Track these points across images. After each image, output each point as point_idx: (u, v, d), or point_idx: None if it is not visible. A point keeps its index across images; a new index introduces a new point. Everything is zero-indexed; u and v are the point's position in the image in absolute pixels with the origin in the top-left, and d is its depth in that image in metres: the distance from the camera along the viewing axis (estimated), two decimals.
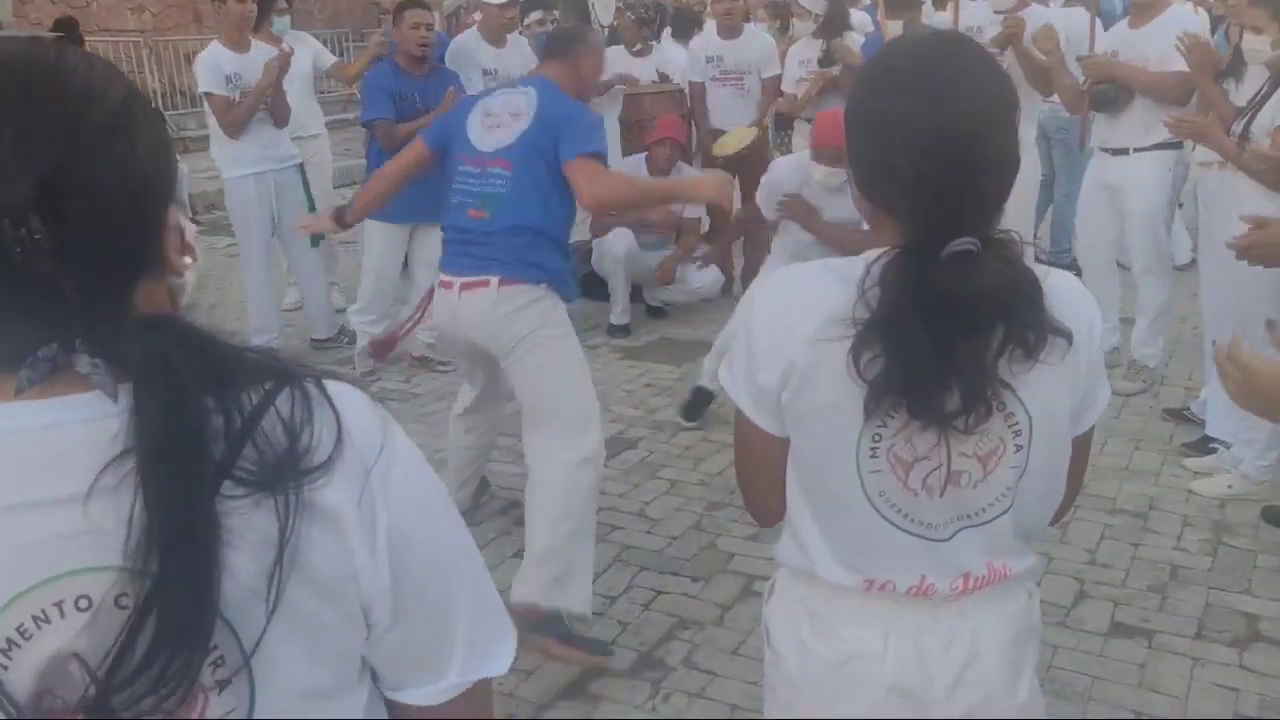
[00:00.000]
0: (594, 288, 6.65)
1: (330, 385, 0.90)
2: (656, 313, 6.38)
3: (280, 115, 5.50)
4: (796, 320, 1.33)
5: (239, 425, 0.83)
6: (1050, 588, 3.33)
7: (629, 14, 7.14)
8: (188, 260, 0.97)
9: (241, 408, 0.84)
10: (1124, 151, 4.74)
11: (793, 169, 4.46)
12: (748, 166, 6.13)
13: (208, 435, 0.82)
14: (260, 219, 5.52)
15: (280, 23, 6.06)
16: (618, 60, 6.96)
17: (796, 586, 1.48)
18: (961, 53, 1.34)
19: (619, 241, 6.04)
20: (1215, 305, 4.13)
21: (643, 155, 6.09)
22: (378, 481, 0.89)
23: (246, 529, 0.82)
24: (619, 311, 6.13)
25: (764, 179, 4.60)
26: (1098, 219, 4.97)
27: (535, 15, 6.20)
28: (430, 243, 5.41)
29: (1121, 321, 5.16)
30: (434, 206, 5.23)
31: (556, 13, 6.65)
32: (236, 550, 0.81)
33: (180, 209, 1.00)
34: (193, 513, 0.80)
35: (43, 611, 0.79)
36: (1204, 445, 4.21)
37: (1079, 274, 6.69)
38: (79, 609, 0.79)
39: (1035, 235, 6.35)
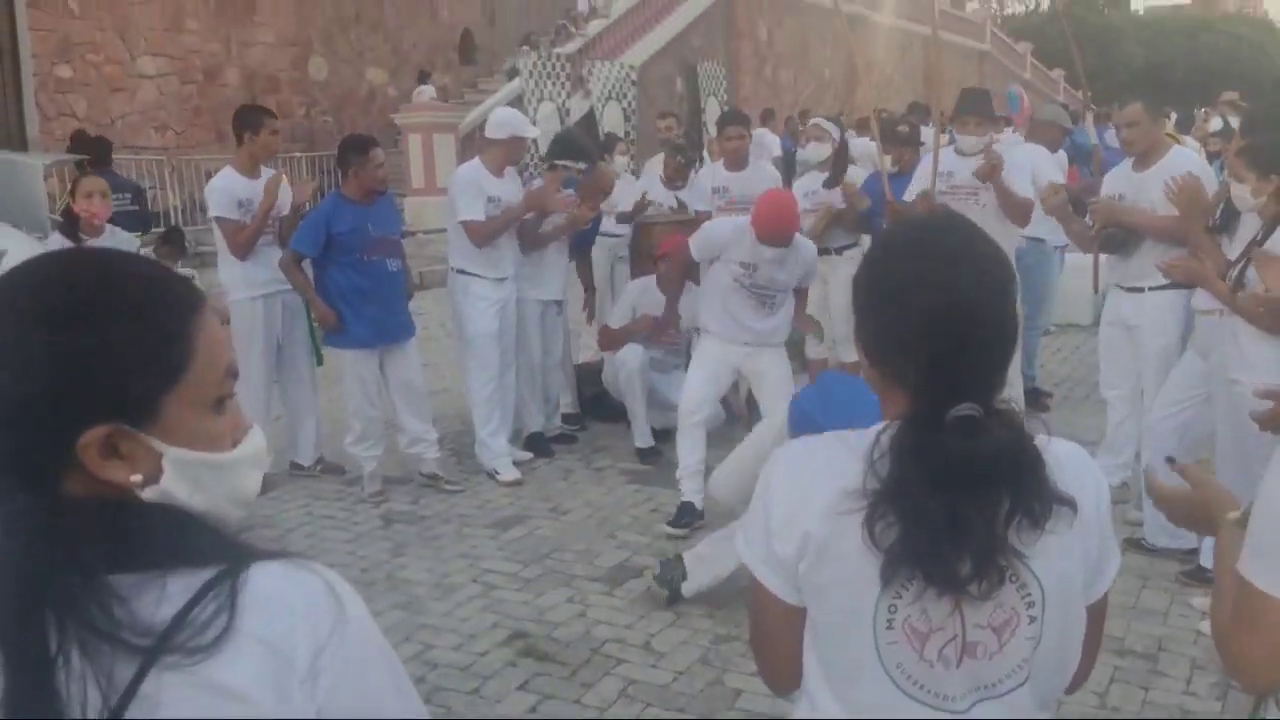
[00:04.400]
0: (602, 409, 6.72)
1: (261, 574, 0.94)
2: (663, 436, 6.39)
3: (288, 238, 5.65)
4: (813, 492, 1.37)
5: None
6: None
7: (677, 156, 7.42)
8: (136, 478, 1.00)
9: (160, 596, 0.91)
10: (1139, 290, 4.82)
11: (731, 230, 5.03)
12: None
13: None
14: (266, 340, 5.62)
15: None
16: (656, 193, 7.20)
17: None
18: (963, 231, 1.44)
19: (632, 355, 6.07)
20: (1225, 447, 4.16)
21: (653, 276, 6.19)
22: (316, 666, 0.93)
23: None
24: (641, 434, 6.08)
25: (702, 229, 5.27)
26: (1118, 353, 5.05)
27: (580, 165, 6.47)
28: (403, 362, 5.52)
29: (1136, 456, 5.18)
30: (398, 327, 5.41)
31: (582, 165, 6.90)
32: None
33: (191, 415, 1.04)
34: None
35: None
36: (1201, 574, 4.20)
37: (1039, 399, 6.82)
38: None
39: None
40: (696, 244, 5.12)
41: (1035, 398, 6.89)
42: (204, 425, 1.00)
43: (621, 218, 7.10)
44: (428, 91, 18.00)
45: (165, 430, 0.97)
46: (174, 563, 0.93)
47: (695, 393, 5.12)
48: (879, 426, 1.37)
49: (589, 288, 7.00)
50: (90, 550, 0.91)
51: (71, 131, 10.96)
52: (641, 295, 6.13)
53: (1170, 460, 1.84)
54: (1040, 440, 1.37)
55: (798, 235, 5.06)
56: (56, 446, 0.93)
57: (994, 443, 1.30)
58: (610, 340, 6.26)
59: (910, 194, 5.71)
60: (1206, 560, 4.19)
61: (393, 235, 5.49)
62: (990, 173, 5.35)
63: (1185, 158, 4.85)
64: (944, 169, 5.53)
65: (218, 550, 0.95)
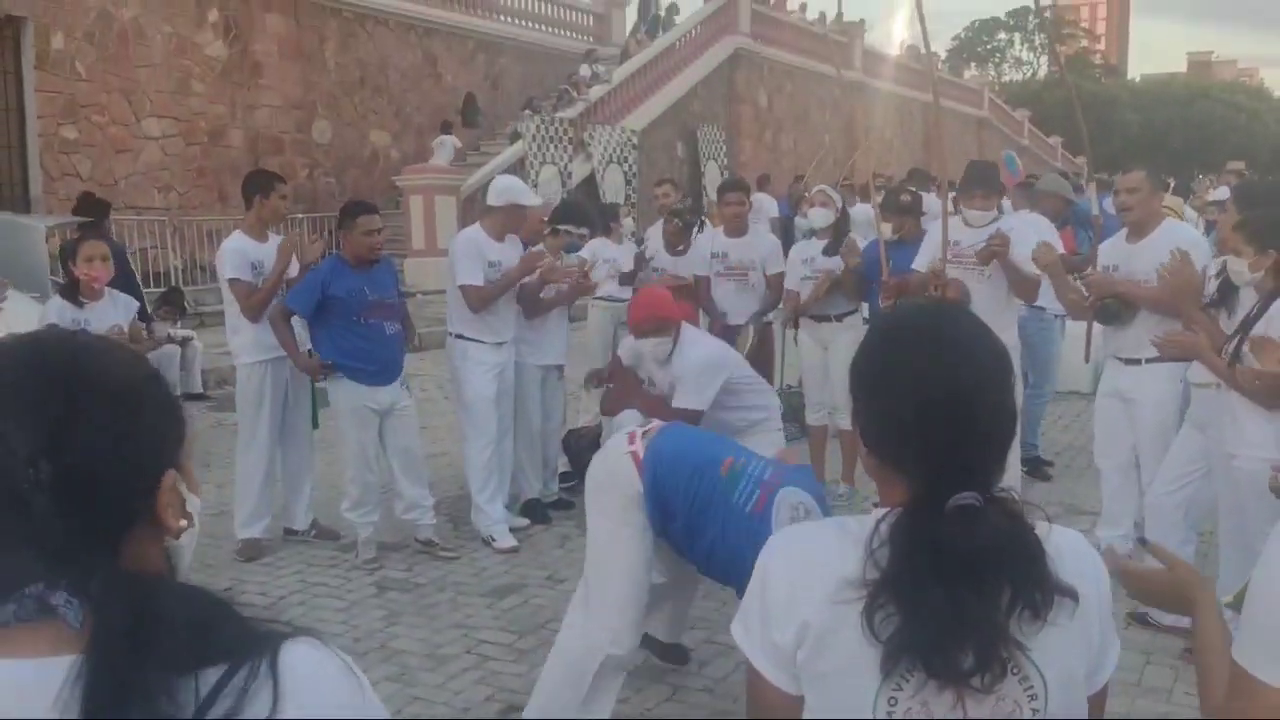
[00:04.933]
0: None
1: (291, 657, 0.97)
2: None
3: None
4: (811, 580, 1.35)
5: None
6: None
7: (676, 220, 7.47)
8: (184, 524, 1.08)
9: (195, 690, 0.92)
10: (1136, 361, 4.81)
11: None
12: (754, 363, 6.28)
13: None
14: (273, 404, 5.61)
15: None
16: (661, 260, 7.24)
17: None
18: (963, 319, 1.45)
19: (632, 420, 6.01)
20: (1228, 519, 4.12)
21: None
22: None
23: None
24: None
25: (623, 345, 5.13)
26: (1113, 424, 5.02)
27: (582, 230, 6.49)
28: (401, 428, 5.49)
29: (1136, 526, 5.14)
30: (392, 381, 5.39)
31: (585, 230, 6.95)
32: None
33: (185, 476, 1.10)
34: None
35: None
36: None
37: (1040, 468, 6.79)
38: None
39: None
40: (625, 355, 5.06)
41: (1036, 466, 6.86)
42: (190, 477, 1.12)
43: (624, 279, 7.13)
44: (449, 142, 18.22)
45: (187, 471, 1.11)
46: (212, 655, 0.95)
47: None
48: (879, 514, 1.36)
49: None
50: (176, 644, 0.94)
51: (79, 193, 11.04)
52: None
53: (1142, 541, 1.82)
54: (1041, 529, 1.36)
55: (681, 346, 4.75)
56: (144, 494, 1.02)
57: (994, 532, 1.29)
58: (613, 407, 6.14)
59: (920, 263, 5.67)
60: None
61: (390, 299, 5.50)
62: (990, 257, 5.34)
63: (1179, 231, 4.86)
64: (950, 238, 5.53)
65: (233, 640, 0.97)
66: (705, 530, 3.33)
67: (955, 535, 1.28)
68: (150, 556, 1.03)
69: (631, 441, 3.52)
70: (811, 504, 3.24)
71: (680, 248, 7.32)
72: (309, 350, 5.38)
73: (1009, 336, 5.43)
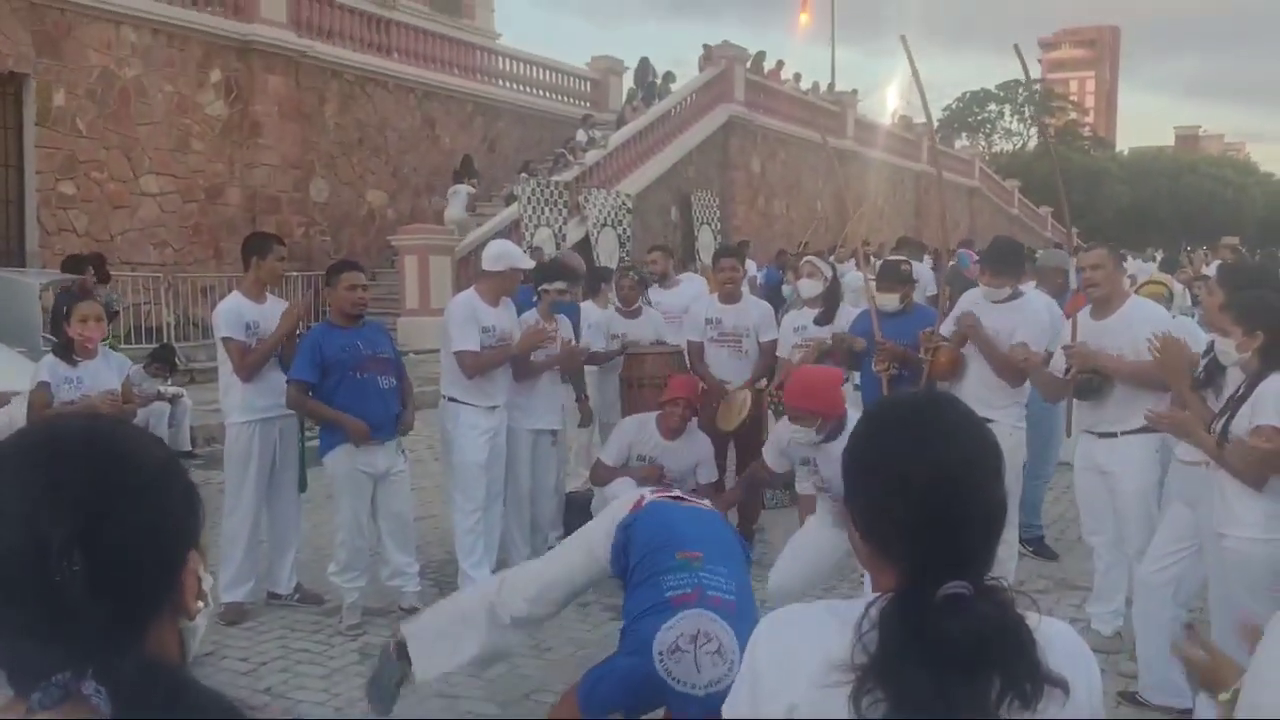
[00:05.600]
0: None
1: None
2: None
3: (291, 361, 5.67)
4: (800, 662, 1.35)
5: None
6: None
7: (631, 274, 7.48)
8: (200, 605, 1.12)
9: None
10: (1112, 434, 4.84)
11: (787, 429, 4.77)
12: (745, 429, 6.32)
13: None
14: (260, 465, 5.59)
15: None
16: (614, 322, 7.27)
17: None
18: (954, 408, 1.46)
19: (624, 489, 5.97)
20: (1217, 597, 4.10)
21: (651, 415, 6.03)
22: None
23: None
24: None
25: (770, 438, 5.12)
26: (1095, 499, 5.02)
27: (558, 284, 6.47)
28: (394, 493, 5.45)
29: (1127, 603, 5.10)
30: (388, 417, 5.36)
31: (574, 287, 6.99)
32: None
33: (201, 554, 1.12)
34: None
35: None
36: None
37: (1044, 546, 6.74)
38: None
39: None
40: (771, 457, 4.98)
41: (1040, 546, 6.80)
42: (206, 558, 1.16)
43: (592, 358, 6.98)
44: (463, 190, 18.44)
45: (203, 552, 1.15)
46: None
47: None
48: (869, 598, 1.36)
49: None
50: None
51: (66, 256, 11.10)
52: (638, 434, 5.97)
53: (1189, 626, 1.83)
54: (1031, 620, 1.35)
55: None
56: (170, 581, 1.05)
57: (984, 621, 1.29)
58: (603, 478, 6.14)
59: (947, 329, 5.55)
60: (1201, 711, 4.09)
61: (385, 353, 5.49)
62: (963, 339, 5.34)
63: (1148, 310, 4.90)
64: (970, 310, 5.50)
65: None
66: (631, 595, 3.53)
67: (945, 624, 1.28)
68: (168, 641, 1.06)
69: (655, 490, 3.96)
70: (721, 639, 3.20)
71: (635, 307, 7.33)
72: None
73: (1012, 414, 5.41)
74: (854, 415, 4.51)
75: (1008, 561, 5.31)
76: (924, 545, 1.34)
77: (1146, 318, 4.71)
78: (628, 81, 25.46)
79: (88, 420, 1.11)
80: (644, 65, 24.86)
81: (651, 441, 5.87)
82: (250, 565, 5.60)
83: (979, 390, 5.24)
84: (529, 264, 6.23)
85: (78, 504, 0.98)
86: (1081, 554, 6.34)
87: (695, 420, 5.92)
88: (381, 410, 5.39)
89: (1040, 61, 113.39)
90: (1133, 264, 18.20)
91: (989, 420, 5.47)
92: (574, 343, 6.35)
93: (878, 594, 1.36)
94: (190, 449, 9.58)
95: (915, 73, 5.99)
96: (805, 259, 7.42)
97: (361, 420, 5.23)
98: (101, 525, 0.98)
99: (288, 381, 5.40)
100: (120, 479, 1.02)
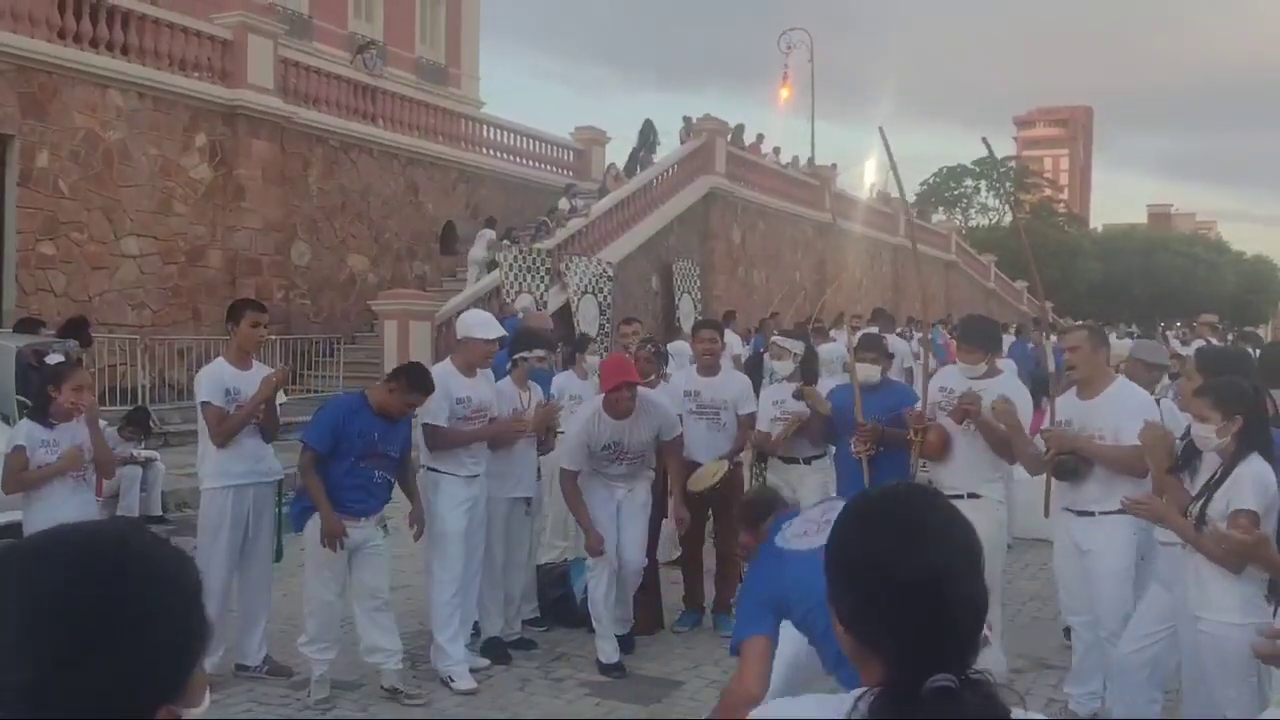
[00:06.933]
0: (565, 613, 6.56)
1: None
2: (626, 645, 6.14)
3: (270, 428, 5.64)
4: None
5: None
6: None
7: (648, 345, 7.51)
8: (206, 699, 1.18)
9: None
10: (1089, 514, 4.86)
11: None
12: (722, 500, 6.31)
13: None
14: (233, 532, 5.51)
15: None
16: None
17: None
18: (937, 507, 1.48)
19: (598, 565, 5.91)
20: (1190, 682, 4.09)
21: (595, 408, 5.90)
22: None
23: None
24: (606, 650, 5.82)
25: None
26: (1073, 578, 5.02)
27: (538, 352, 6.47)
28: (370, 567, 5.36)
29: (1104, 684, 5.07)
30: (372, 507, 5.30)
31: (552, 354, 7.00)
32: None
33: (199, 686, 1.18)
34: None
35: None
36: None
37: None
38: None
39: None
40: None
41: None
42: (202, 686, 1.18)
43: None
44: (488, 235, 18.78)
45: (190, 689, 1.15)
46: None
47: None
48: (857, 692, 1.37)
49: None
50: None
51: (18, 319, 11.11)
52: (590, 431, 5.84)
53: None
54: (1016, 712, 1.36)
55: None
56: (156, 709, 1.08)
57: (969, 714, 1.30)
58: (570, 488, 5.94)
59: (932, 409, 5.50)
60: None
61: (392, 453, 5.40)
62: (963, 416, 5.31)
63: (1130, 393, 4.95)
64: (949, 385, 5.50)
65: None
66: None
67: (932, 717, 1.29)
68: None
69: None
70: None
71: (651, 378, 7.27)
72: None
73: (998, 489, 5.44)
74: (832, 500, 4.51)
75: (995, 649, 5.25)
76: (908, 640, 1.35)
77: (1130, 405, 4.75)
78: (610, 152, 25.81)
79: (115, 536, 1.14)
80: (648, 126, 25.63)
81: (607, 430, 5.83)
82: (218, 635, 5.49)
83: (966, 466, 5.27)
84: (499, 333, 6.12)
85: (79, 623, 1.03)
86: (1056, 631, 6.32)
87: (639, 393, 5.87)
88: (365, 502, 5.32)
89: (1015, 139, 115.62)
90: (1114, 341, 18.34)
91: (975, 495, 5.45)
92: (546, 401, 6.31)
93: (864, 688, 1.37)
94: (161, 514, 9.46)
95: (893, 164, 6.09)
96: (772, 340, 7.42)
97: (338, 519, 5.16)
98: (95, 652, 1.02)
99: (302, 447, 5.33)
100: (124, 610, 1.06)
